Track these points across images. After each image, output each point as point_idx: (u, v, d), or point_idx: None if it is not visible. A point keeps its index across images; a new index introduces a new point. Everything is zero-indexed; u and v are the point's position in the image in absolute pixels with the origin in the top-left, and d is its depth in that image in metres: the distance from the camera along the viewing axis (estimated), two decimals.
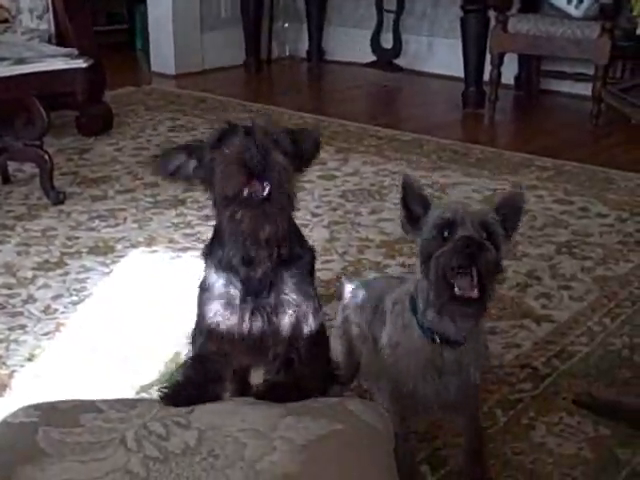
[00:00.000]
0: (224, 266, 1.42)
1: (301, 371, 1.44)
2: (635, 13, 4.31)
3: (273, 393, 1.39)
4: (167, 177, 1.44)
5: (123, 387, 2.03)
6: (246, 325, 1.43)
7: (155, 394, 1.98)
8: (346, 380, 1.84)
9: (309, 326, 1.47)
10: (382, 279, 1.91)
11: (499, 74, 4.63)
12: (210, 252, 1.46)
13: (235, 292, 1.42)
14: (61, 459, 1.14)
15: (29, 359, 2.17)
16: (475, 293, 1.38)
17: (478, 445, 1.69)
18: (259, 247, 1.36)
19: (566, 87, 5.09)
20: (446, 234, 1.41)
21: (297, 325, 1.45)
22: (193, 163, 1.41)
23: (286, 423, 1.23)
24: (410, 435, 1.65)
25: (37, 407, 1.27)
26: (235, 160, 1.27)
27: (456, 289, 1.38)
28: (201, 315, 1.46)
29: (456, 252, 1.37)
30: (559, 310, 2.45)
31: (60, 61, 3.21)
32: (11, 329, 2.31)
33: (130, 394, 1.98)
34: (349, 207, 3.27)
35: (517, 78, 5.21)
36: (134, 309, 2.44)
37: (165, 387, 1.43)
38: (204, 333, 1.46)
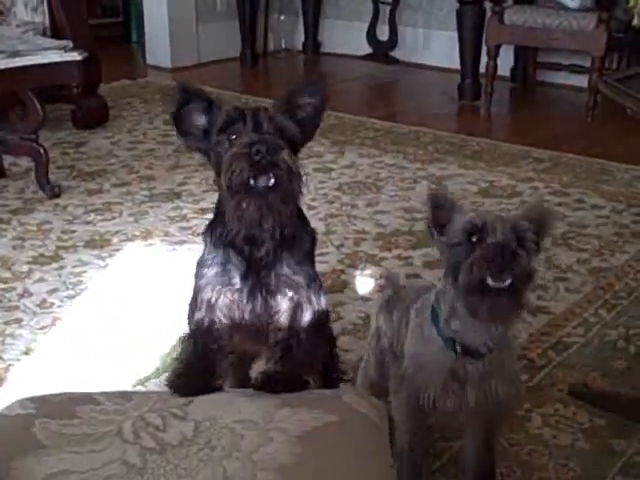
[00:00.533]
0: (225, 243, 1.42)
1: (300, 359, 1.43)
2: (631, 4, 4.31)
3: (271, 384, 1.38)
4: (181, 115, 1.44)
5: (120, 380, 2.03)
6: (244, 302, 1.43)
7: (152, 387, 1.99)
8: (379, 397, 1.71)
9: (311, 307, 1.46)
10: (412, 287, 1.82)
11: (495, 66, 4.63)
12: (211, 230, 1.46)
13: (235, 269, 1.42)
14: (58, 450, 1.14)
15: (25, 353, 2.17)
16: (507, 282, 1.31)
17: (490, 468, 1.63)
18: (262, 231, 1.38)
19: (562, 79, 5.09)
20: (475, 239, 1.35)
21: (297, 306, 1.45)
22: (202, 121, 1.42)
23: (282, 414, 1.23)
24: (419, 449, 1.60)
25: (33, 399, 1.27)
26: (242, 156, 1.28)
27: (489, 280, 1.31)
28: (198, 290, 1.46)
29: (489, 261, 1.31)
30: (555, 302, 2.45)
31: (55, 54, 3.20)
32: (7, 323, 2.31)
33: (127, 387, 1.99)
34: (345, 199, 3.27)
35: (513, 70, 5.21)
36: (130, 302, 2.45)
37: (172, 374, 1.42)
38: (203, 308, 1.45)
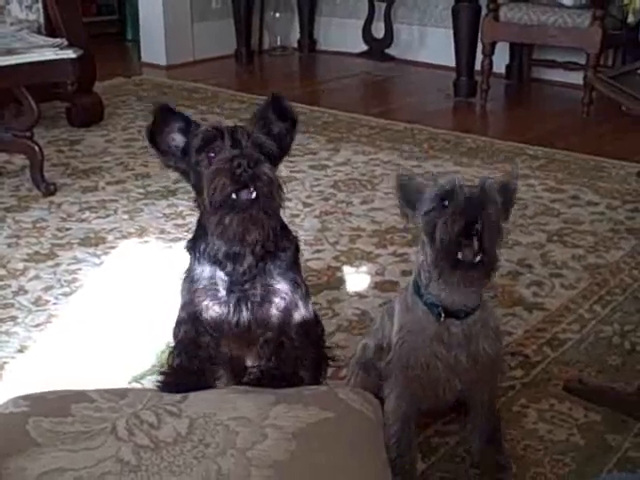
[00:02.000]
0: (208, 258, 1.44)
1: (293, 355, 1.46)
2: (625, 2, 4.32)
3: (265, 379, 1.39)
4: (158, 136, 1.44)
5: (115, 377, 2.02)
6: (231, 315, 1.45)
7: (147, 384, 1.99)
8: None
9: (299, 312, 1.49)
10: None
11: (490, 63, 4.63)
12: (194, 245, 1.48)
13: (220, 283, 1.44)
14: (52, 448, 1.14)
15: (20, 351, 2.17)
16: (478, 258, 1.39)
17: (494, 429, 1.68)
18: (244, 246, 1.40)
19: (557, 76, 5.09)
20: (446, 203, 1.41)
21: (286, 312, 1.47)
22: (180, 141, 1.43)
23: (276, 411, 1.23)
24: (411, 425, 1.63)
25: (26, 397, 1.27)
26: (223, 171, 1.30)
27: (459, 255, 1.39)
28: (186, 304, 1.47)
29: (458, 214, 1.37)
30: (550, 298, 2.45)
31: (49, 51, 3.19)
32: (2, 321, 2.31)
33: (122, 384, 1.98)
34: (340, 197, 3.27)
35: (508, 67, 5.21)
36: (125, 300, 2.44)
37: (161, 374, 1.46)
38: (190, 321, 1.47)
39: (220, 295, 1.45)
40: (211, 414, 1.22)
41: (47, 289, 2.49)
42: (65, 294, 2.47)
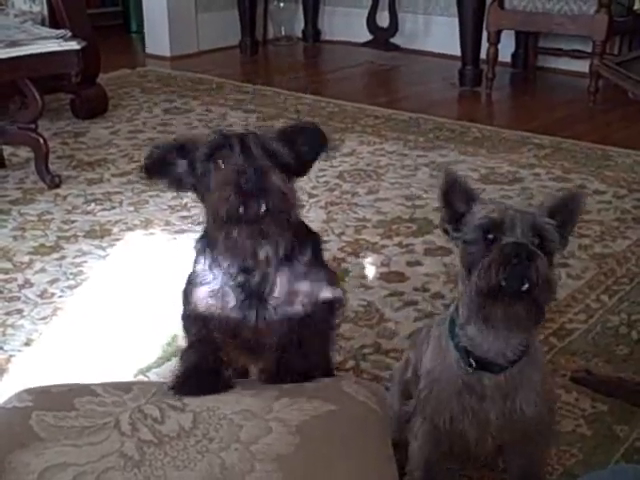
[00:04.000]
0: (218, 266, 1.35)
1: (299, 365, 1.37)
2: None
3: (281, 375, 1.35)
4: (157, 176, 1.35)
5: (120, 370, 2.03)
6: (241, 319, 1.37)
7: (153, 377, 1.99)
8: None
9: (314, 317, 1.39)
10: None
11: (496, 52, 4.60)
12: (203, 250, 1.39)
13: (230, 293, 1.36)
14: (55, 443, 1.14)
15: (26, 344, 2.17)
16: (525, 286, 1.20)
17: None
18: (257, 261, 1.30)
19: (563, 64, 5.06)
20: (491, 237, 1.23)
21: (297, 317, 1.38)
22: (184, 165, 1.34)
23: (280, 404, 1.22)
24: (438, 470, 1.46)
25: (30, 391, 1.26)
26: (230, 182, 1.20)
27: (503, 283, 1.20)
28: (193, 309, 1.39)
29: (502, 263, 1.19)
30: (557, 288, 2.44)
31: (53, 43, 3.18)
32: (8, 314, 2.31)
33: (128, 377, 1.98)
34: (346, 187, 3.26)
35: (514, 56, 5.17)
36: (131, 292, 2.44)
37: (175, 377, 1.37)
38: (199, 323, 1.39)
39: (229, 300, 1.36)
40: (215, 408, 1.21)
41: (53, 282, 2.49)
42: (71, 287, 2.47)
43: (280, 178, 1.22)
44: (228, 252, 1.27)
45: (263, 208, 1.20)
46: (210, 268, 1.36)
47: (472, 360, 1.32)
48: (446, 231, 1.33)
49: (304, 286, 1.38)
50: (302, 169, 1.35)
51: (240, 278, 1.33)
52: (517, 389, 1.34)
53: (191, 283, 1.40)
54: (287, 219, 1.25)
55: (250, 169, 1.19)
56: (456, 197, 1.32)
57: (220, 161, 1.26)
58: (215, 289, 1.36)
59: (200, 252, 1.40)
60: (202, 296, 1.37)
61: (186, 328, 1.43)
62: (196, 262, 1.41)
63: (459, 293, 1.35)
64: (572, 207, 1.34)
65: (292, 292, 1.37)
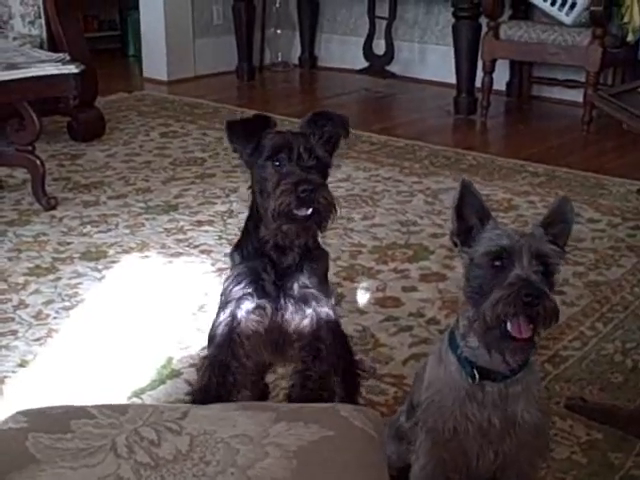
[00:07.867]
0: (255, 253, 1.58)
1: (327, 361, 1.58)
2: (625, 20, 4.34)
3: (308, 388, 1.55)
4: (235, 137, 1.56)
5: (115, 393, 2.02)
6: (271, 312, 1.57)
7: (147, 399, 1.98)
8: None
9: (330, 315, 1.60)
10: None
11: (491, 80, 4.65)
12: (240, 246, 1.62)
13: (265, 277, 1.57)
14: (51, 465, 1.13)
15: (20, 365, 2.16)
16: (529, 334, 1.27)
17: None
18: (292, 245, 1.57)
19: (557, 93, 5.11)
20: (498, 264, 1.28)
21: (319, 315, 1.59)
22: (250, 148, 1.55)
23: (277, 429, 1.22)
24: None
25: (26, 413, 1.25)
26: (290, 191, 1.47)
27: (509, 327, 1.26)
28: (227, 302, 1.58)
29: (513, 302, 1.24)
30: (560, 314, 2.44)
31: (52, 66, 3.20)
32: (2, 334, 2.30)
33: (122, 400, 1.98)
34: (341, 213, 3.26)
35: (509, 84, 5.23)
36: (126, 315, 2.44)
37: (194, 390, 1.58)
38: (228, 320, 1.57)
39: (260, 293, 1.57)
40: (212, 431, 1.21)
41: (48, 303, 2.49)
42: (66, 308, 2.47)
43: (328, 192, 1.51)
44: (274, 237, 1.54)
45: (310, 211, 1.49)
46: (247, 259, 1.59)
47: (475, 371, 1.36)
48: (455, 244, 1.38)
49: (314, 292, 1.60)
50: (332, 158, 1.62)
51: (274, 257, 1.57)
52: (518, 396, 1.38)
53: (226, 280, 1.62)
54: (326, 220, 1.53)
55: (307, 184, 1.47)
56: (469, 211, 1.35)
57: (277, 163, 1.50)
58: (251, 278, 1.57)
59: (236, 252, 1.62)
60: (237, 289, 1.59)
61: (212, 335, 1.61)
62: (232, 265, 1.64)
63: (460, 302, 1.43)
64: (564, 217, 1.40)
65: (304, 292, 1.59)
